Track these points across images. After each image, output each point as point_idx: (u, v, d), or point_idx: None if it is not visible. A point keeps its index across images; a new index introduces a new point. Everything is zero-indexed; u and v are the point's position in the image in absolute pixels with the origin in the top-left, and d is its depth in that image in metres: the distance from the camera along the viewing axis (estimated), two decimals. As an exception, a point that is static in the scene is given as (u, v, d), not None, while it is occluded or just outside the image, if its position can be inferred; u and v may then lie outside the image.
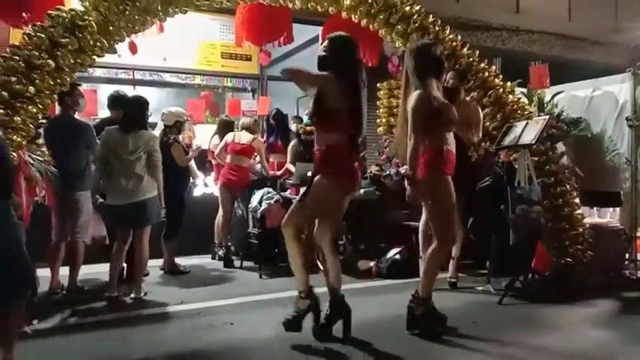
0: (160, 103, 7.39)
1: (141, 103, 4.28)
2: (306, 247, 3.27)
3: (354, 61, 3.27)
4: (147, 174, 4.11)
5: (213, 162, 6.00)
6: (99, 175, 4.17)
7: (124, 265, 4.74)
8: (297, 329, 3.18)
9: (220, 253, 5.76)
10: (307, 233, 5.36)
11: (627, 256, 4.89)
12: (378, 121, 6.86)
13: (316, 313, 3.25)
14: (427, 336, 3.27)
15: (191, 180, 5.60)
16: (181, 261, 5.38)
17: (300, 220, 3.24)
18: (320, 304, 3.27)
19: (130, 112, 4.20)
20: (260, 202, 5.27)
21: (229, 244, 5.71)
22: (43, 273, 4.34)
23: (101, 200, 4.23)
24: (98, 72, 6.82)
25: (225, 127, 6.01)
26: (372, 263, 5.19)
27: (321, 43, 6.09)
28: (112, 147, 4.10)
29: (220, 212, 5.77)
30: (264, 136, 6.68)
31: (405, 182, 3.50)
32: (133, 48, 5.05)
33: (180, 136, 5.32)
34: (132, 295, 4.22)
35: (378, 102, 7.00)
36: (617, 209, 5.31)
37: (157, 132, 5.77)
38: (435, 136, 3.34)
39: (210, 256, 5.92)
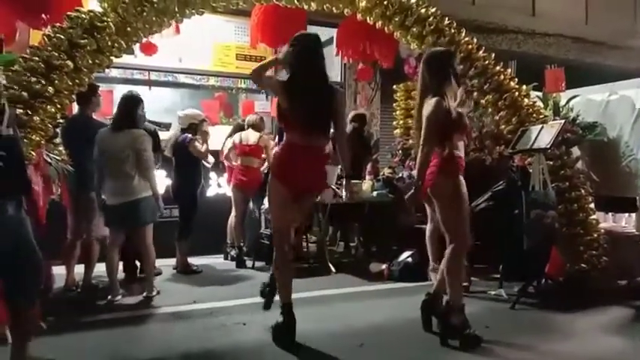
0: (174, 104, 7.46)
1: (129, 102, 4.23)
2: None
3: (308, 61, 3.19)
4: (137, 174, 4.08)
5: (226, 163, 6.02)
6: (98, 176, 4.17)
7: (137, 264, 4.82)
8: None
9: (233, 253, 5.79)
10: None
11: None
12: (395, 123, 6.84)
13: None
14: (467, 346, 3.14)
15: (206, 165, 5.58)
16: (194, 261, 5.41)
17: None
18: None
19: (118, 111, 4.19)
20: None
21: (242, 244, 5.73)
22: (59, 271, 4.42)
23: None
24: (114, 72, 6.88)
25: (240, 131, 6.04)
26: (384, 266, 5.18)
27: (336, 46, 6.15)
28: (103, 147, 4.11)
29: (233, 213, 5.80)
30: (276, 139, 6.71)
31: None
32: (151, 49, 5.09)
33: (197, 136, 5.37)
34: (144, 294, 4.26)
35: (394, 104, 7.00)
36: (633, 215, 5.25)
37: (170, 133, 5.87)
38: (449, 143, 3.31)
39: (222, 256, 5.95)
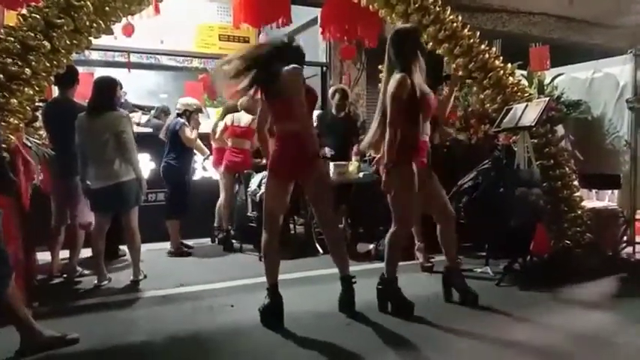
0: (157, 86, 7.37)
1: (103, 85, 4.14)
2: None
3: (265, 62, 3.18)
4: (118, 157, 4.01)
5: (215, 145, 5.94)
6: (81, 161, 4.10)
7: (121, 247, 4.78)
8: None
9: (220, 236, 5.77)
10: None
11: (625, 238, 4.91)
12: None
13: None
14: (400, 315, 3.35)
15: (201, 157, 5.74)
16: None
17: None
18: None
19: (94, 95, 4.10)
20: (259, 186, 5.26)
21: (230, 227, 5.71)
22: (44, 257, 4.38)
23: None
24: (94, 55, 6.76)
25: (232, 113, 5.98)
26: (371, 246, 5.20)
27: (320, 25, 6.08)
28: (82, 132, 4.04)
29: (222, 196, 5.76)
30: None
31: (381, 171, 3.41)
32: (128, 30, 4.96)
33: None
34: (131, 278, 4.24)
35: (379, 84, 6.96)
36: (616, 192, 5.32)
37: (142, 116, 5.84)
38: (411, 125, 3.26)
39: (209, 239, 5.93)
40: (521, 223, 4.14)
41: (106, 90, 4.12)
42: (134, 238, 4.20)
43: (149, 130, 6.02)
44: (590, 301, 3.75)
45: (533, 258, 4.30)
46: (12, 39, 3.28)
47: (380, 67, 6.74)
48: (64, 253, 4.43)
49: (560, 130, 5.01)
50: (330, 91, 6.20)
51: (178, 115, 5.47)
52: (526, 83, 5.00)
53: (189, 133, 5.35)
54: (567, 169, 4.62)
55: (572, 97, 5.20)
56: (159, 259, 5.12)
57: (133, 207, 4.17)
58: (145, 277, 4.30)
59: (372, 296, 3.55)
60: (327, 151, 5.61)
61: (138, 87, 7.07)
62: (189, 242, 5.62)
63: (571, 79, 5.32)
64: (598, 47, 8.43)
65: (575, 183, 4.67)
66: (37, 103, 3.78)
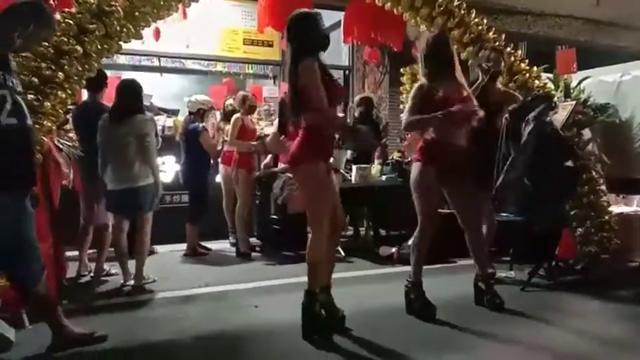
0: (182, 90, 7.46)
1: (129, 89, 4.14)
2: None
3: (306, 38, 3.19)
4: (139, 160, 3.98)
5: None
6: (102, 162, 4.10)
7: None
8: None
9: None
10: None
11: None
12: (402, 106, 6.81)
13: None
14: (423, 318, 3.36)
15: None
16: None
17: None
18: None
19: (116, 98, 4.12)
20: (282, 189, 5.30)
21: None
22: (72, 256, 4.48)
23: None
24: (122, 59, 6.89)
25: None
26: (393, 249, 5.19)
27: (343, 29, 6.07)
28: (105, 133, 4.06)
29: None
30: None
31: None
32: (155, 34, 5.03)
33: (204, 124, 5.37)
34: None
35: (401, 87, 6.95)
36: (645, 197, 5.22)
37: (179, 118, 5.88)
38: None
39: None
40: (547, 228, 4.09)
41: (130, 94, 4.12)
42: (143, 244, 4.13)
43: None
44: (617, 308, 3.68)
45: (559, 263, 4.24)
46: (46, 44, 3.38)
47: (402, 70, 6.80)
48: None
49: (587, 133, 4.93)
50: (356, 99, 6.21)
51: (191, 113, 5.34)
52: (552, 86, 4.94)
53: (211, 139, 5.27)
54: (594, 173, 4.55)
55: (600, 101, 5.11)
56: (183, 260, 5.20)
57: (147, 212, 4.10)
58: (155, 280, 4.27)
59: (394, 300, 3.55)
60: (349, 154, 5.63)
61: (163, 90, 7.18)
62: (210, 245, 5.67)
63: (598, 82, 5.24)
64: (626, 50, 8.28)
65: (603, 187, 4.59)
66: (67, 106, 3.87)
